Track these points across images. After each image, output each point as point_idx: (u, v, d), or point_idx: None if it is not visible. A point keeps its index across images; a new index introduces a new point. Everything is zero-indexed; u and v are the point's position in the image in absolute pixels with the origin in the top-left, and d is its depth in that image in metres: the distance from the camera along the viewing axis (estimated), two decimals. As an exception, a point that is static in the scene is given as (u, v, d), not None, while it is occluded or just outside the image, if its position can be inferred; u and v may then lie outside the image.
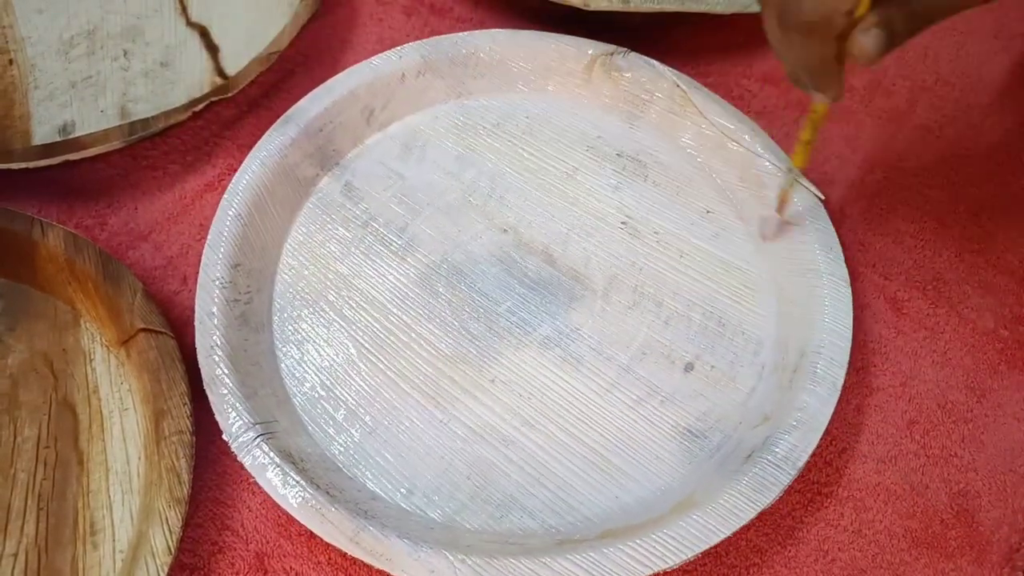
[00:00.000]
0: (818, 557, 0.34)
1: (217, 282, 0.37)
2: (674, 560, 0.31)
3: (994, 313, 0.40)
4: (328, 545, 0.33)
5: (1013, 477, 0.36)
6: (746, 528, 0.32)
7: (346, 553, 0.32)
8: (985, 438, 0.37)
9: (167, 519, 0.32)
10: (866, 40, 0.29)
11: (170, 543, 0.31)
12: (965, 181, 0.45)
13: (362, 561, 0.31)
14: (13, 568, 0.32)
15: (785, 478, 0.33)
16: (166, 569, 0.31)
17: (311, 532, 0.32)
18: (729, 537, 0.31)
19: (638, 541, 0.31)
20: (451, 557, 0.31)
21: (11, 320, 0.39)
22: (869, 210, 0.44)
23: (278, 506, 0.32)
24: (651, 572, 0.31)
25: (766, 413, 0.36)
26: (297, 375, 0.38)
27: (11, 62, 0.49)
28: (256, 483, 0.34)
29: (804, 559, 0.34)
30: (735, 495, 0.32)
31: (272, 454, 0.33)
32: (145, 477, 0.34)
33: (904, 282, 0.41)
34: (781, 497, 0.33)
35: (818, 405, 0.35)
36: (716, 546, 0.31)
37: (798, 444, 0.34)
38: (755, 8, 0.49)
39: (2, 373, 0.37)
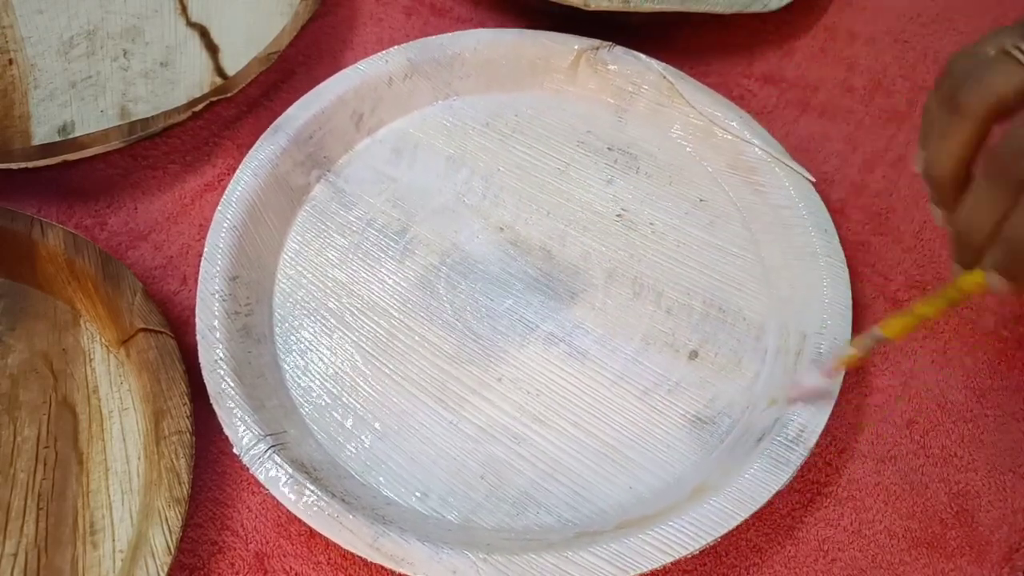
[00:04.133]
0: (818, 557, 0.34)
1: (216, 295, 0.37)
2: (694, 545, 0.31)
3: (994, 313, 0.40)
4: (328, 545, 0.33)
5: (1013, 477, 0.36)
6: (746, 527, 0.32)
7: (346, 553, 0.32)
8: (985, 438, 0.37)
9: (167, 519, 0.32)
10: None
11: (170, 543, 0.31)
12: (965, 181, 0.45)
13: (363, 561, 0.31)
14: (13, 568, 0.32)
15: (797, 458, 0.33)
16: (166, 569, 0.31)
17: (311, 532, 0.32)
18: (729, 536, 0.31)
19: (658, 529, 0.31)
20: (473, 556, 0.31)
21: (11, 320, 0.39)
22: (869, 210, 0.44)
23: (278, 506, 0.32)
24: (672, 559, 0.31)
25: (773, 396, 0.36)
26: (303, 384, 0.38)
27: (11, 62, 0.49)
28: (256, 483, 0.34)
29: (804, 559, 0.34)
30: (749, 478, 0.32)
31: (285, 465, 0.33)
32: (145, 477, 0.34)
33: (904, 282, 0.41)
34: (781, 497, 0.33)
35: None
36: (716, 545, 0.31)
37: (808, 423, 0.34)
38: (755, 8, 0.49)
39: (2, 373, 0.37)
